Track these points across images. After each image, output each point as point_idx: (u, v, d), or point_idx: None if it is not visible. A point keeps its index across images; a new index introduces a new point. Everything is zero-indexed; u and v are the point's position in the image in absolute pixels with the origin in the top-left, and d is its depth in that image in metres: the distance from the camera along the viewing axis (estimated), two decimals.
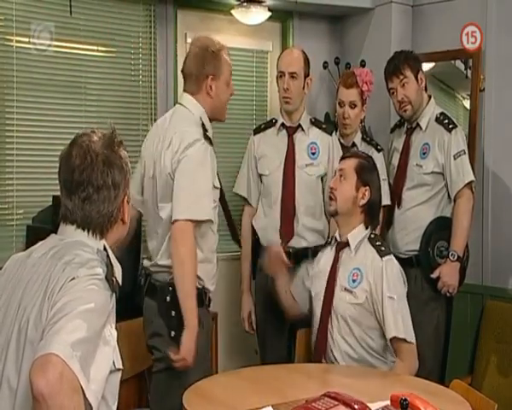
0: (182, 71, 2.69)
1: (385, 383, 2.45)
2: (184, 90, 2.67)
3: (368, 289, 2.66)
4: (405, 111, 3.31)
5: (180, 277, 2.42)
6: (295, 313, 2.94)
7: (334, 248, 2.81)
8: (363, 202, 2.74)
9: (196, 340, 2.43)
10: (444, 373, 3.39)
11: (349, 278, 2.70)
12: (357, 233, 2.75)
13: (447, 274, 3.19)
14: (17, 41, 3.23)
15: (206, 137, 2.56)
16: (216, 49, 2.62)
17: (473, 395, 2.26)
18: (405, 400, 1.85)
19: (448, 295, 3.23)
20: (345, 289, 2.70)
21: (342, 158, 2.90)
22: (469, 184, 3.23)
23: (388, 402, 1.93)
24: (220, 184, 2.71)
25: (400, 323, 2.62)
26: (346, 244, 2.76)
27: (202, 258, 2.54)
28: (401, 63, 3.29)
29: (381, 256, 2.69)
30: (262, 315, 3.35)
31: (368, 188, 2.75)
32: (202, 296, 2.57)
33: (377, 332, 2.68)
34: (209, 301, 2.66)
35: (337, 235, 2.82)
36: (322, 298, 2.75)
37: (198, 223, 2.48)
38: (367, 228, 2.77)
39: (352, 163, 2.78)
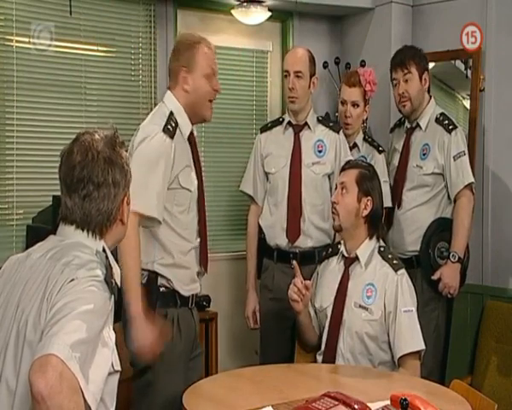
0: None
1: (385, 383, 2.45)
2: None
3: (382, 305, 2.63)
4: (404, 106, 3.30)
5: (122, 268, 2.21)
6: (314, 340, 2.83)
7: (341, 263, 2.76)
8: (366, 212, 2.71)
9: (167, 342, 2.38)
10: (444, 373, 3.39)
11: (363, 295, 2.66)
12: (366, 247, 2.72)
13: (448, 276, 3.18)
14: (17, 41, 3.23)
15: (167, 130, 2.44)
16: (191, 42, 2.53)
17: (473, 395, 2.26)
18: (405, 400, 1.85)
19: (449, 296, 3.23)
20: (359, 305, 2.65)
21: (342, 169, 2.85)
22: (469, 185, 3.22)
23: (388, 402, 1.93)
24: (201, 184, 2.59)
25: (416, 336, 2.60)
26: (355, 259, 2.72)
27: (171, 262, 2.47)
28: (408, 58, 3.27)
29: (396, 270, 2.67)
30: (265, 314, 3.34)
31: (370, 198, 2.71)
32: (173, 297, 2.49)
33: (388, 345, 2.65)
34: (191, 302, 2.56)
35: (343, 250, 2.76)
36: (329, 314, 2.71)
37: (144, 219, 2.37)
38: (372, 238, 2.74)
39: (352, 174, 2.74)
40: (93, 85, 3.48)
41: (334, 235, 3.26)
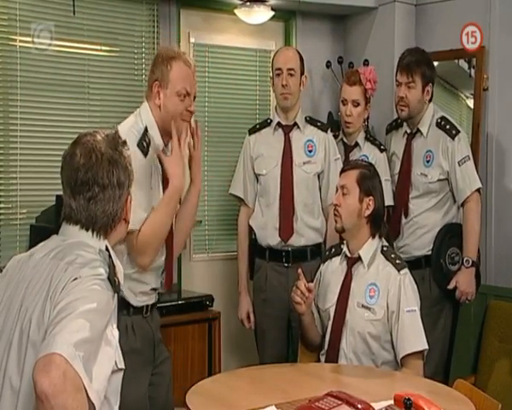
0: None
1: (388, 382, 2.45)
2: None
3: (385, 305, 2.62)
4: (402, 111, 3.28)
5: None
6: (317, 339, 2.82)
7: (344, 263, 2.76)
8: (368, 212, 2.69)
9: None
10: (448, 373, 3.38)
11: (366, 295, 2.65)
12: (369, 247, 2.71)
13: (464, 282, 3.17)
14: (21, 41, 3.23)
15: (141, 146, 2.36)
16: (168, 57, 2.42)
17: (476, 395, 2.26)
18: (409, 399, 1.85)
19: (467, 302, 3.22)
20: (362, 305, 2.65)
21: (342, 170, 2.83)
22: (477, 189, 3.20)
23: (392, 402, 1.93)
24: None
25: (419, 336, 2.59)
26: (358, 259, 2.71)
27: (130, 273, 2.36)
28: (415, 66, 3.21)
29: (398, 270, 2.65)
30: (260, 314, 3.36)
31: (371, 197, 2.70)
32: (126, 305, 2.38)
33: (391, 345, 2.65)
34: (146, 311, 2.45)
35: (346, 250, 2.75)
36: (332, 314, 2.71)
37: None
38: (374, 237, 2.72)
39: (353, 175, 2.72)
40: (96, 85, 3.48)
41: (326, 233, 3.31)
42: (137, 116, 2.47)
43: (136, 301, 2.43)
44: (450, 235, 3.24)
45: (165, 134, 2.46)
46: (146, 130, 2.41)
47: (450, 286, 3.18)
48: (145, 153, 2.38)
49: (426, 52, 3.34)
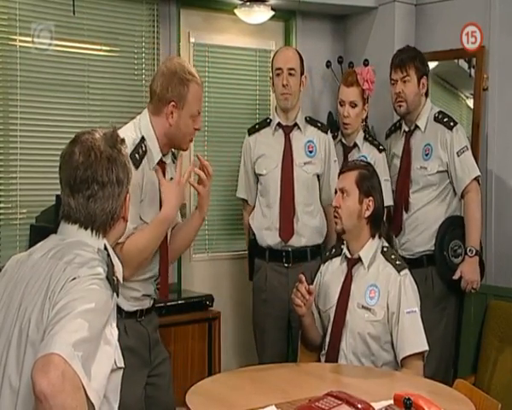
0: (149, 86, 2.49)
1: (388, 382, 2.44)
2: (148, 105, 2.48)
3: (385, 305, 2.62)
4: (400, 106, 3.31)
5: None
6: (317, 339, 2.81)
7: (344, 264, 2.75)
8: (368, 213, 2.69)
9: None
10: (455, 371, 3.40)
11: (366, 296, 2.65)
12: (369, 248, 2.70)
13: (468, 271, 3.18)
14: (20, 41, 3.23)
15: (133, 158, 2.28)
16: (185, 78, 2.40)
17: (476, 395, 2.26)
18: (409, 399, 1.85)
19: (473, 291, 3.23)
20: (362, 306, 2.64)
21: (341, 172, 2.82)
22: (475, 178, 3.23)
23: (392, 402, 1.93)
24: None
25: (419, 337, 2.59)
26: (358, 260, 2.71)
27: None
28: (408, 61, 3.29)
29: (399, 271, 2.65)
30: (260, 314, 3.36)
31: (371, 198, 2.69)
32: (118, 308, 2.24)
33: (391, 345, 2.65)
34: (139, 315, 2.46)
35: (346, 251, 2.75)
36: (332, 315, 2.70)
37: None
38: (374, 238, 2.72)
39: (351, 177, 2.71)
40: (96, 85, 3.48)
41: (327, 233, 3.32)
42: (136, 125, 2.44)
43: (128, 305, 2.42)
44: (453, 228, 3.26)
45: (169, 146, 2.45)
46: (142, 140, 2.38)
47: (456, 276, 3.19)
48: (137, 165, 2.34)
49: (417, 49, 3.42)
